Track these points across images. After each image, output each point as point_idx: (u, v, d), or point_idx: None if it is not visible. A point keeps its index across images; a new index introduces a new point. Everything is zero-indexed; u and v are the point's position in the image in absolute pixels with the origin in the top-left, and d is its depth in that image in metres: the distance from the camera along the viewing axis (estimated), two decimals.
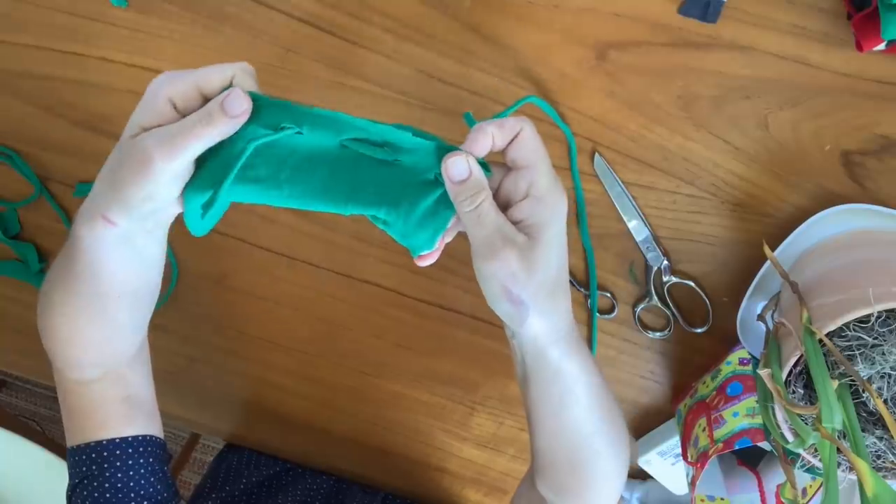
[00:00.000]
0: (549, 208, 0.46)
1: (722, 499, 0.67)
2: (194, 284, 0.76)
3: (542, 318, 0.47)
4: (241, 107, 0.44)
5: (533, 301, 0.46)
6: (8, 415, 1.48)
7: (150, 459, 0.60)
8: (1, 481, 1.21)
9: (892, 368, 0.48)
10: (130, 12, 0.69)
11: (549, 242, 0.46)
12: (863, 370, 0.49)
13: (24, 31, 0.71)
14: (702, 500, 0.67)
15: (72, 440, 0.60)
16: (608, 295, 0.70)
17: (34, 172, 0.75)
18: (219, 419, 0.79)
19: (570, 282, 0.70)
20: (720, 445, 0.60)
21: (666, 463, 0.72)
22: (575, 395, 0.50)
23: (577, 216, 0.69)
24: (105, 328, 0.55)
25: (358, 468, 0.79)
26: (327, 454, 0.79)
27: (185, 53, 0.70)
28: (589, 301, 0.70)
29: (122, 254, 0.49)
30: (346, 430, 0.78)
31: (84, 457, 0.58)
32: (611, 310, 0.71)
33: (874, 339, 0.48)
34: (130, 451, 0.59)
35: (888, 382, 0.49)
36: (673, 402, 0.72)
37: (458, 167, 0.45)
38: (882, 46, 0.58)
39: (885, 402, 0.49)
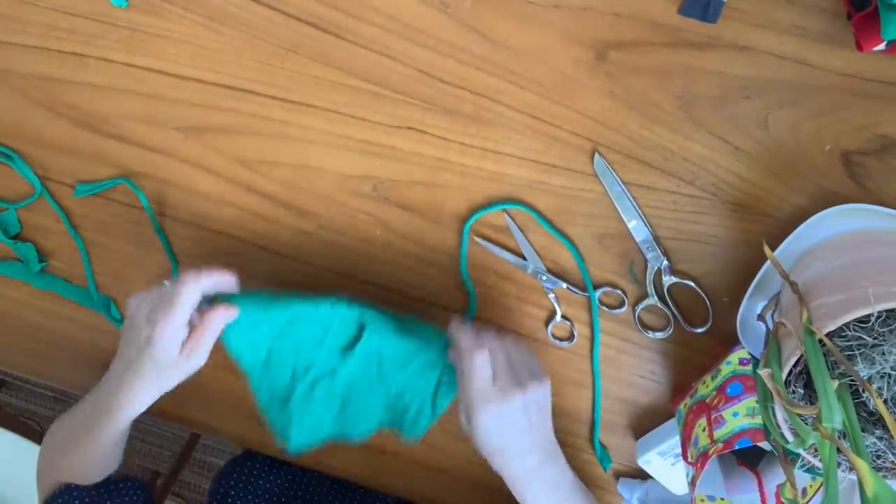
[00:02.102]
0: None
1: (722, 499, 0.67)
2: None
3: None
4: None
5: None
6: (8, 415, 1.48)
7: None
8: (1, 481, 1.21)
9: (892, 368, 0.48)
10: (130, 12, 0.69)
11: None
12: (863, 370, 0.49)
13: (24, 31, 0.71)
14: (702, 500, 0.67)
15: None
16: (619, 291, 0.70)
17: (34, 172, 0.75)
18: (219, 419, 0.79)
19: (568, 287, 0.70)
20: (720, 445, 0.60)
21: (666, 463, 0.72)
22: None
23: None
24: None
25: (357, 468, 0.79)
26: (326, 454, 0.78)
27: (185, 53, 0.70)
28: (588, 301, 0.71)
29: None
30: None
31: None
32: (620, 304, 0.71)
33: (874, 339, 0.48)
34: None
35: (888, 382, 0.49)
36: (673, 402, 0.72)
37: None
38: (882, 46, 0.58)
39: (885, 402, 0.49)
